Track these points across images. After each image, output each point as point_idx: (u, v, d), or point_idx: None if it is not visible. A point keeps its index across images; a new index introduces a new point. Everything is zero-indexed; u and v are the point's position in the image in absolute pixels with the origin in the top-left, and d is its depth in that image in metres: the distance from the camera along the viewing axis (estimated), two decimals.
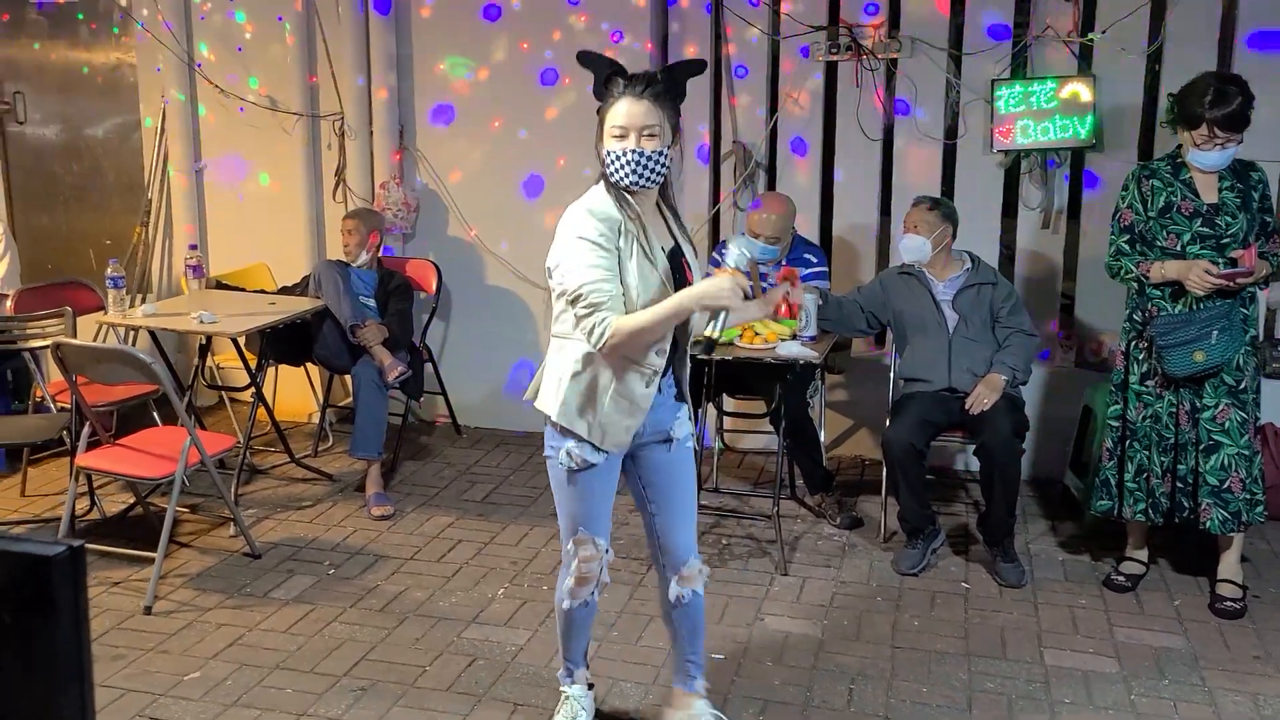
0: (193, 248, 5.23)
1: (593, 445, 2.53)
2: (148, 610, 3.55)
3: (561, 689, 2.93)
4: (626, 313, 2.39)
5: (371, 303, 4.72)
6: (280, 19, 5.26)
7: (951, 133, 4.78)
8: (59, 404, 4.30)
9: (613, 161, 2.42)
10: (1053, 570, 3.93)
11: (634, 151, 2.39)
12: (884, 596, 3.73)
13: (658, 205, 2.57)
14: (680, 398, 2.67)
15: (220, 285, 4.97)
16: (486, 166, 5.24)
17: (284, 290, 4.98)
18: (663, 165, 2.43)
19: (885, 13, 4.71)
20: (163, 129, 5.53)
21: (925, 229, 4.00)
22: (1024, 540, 4.14)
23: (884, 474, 4.10)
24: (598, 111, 2.48)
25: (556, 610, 2.81)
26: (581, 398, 2.51)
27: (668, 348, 2.51)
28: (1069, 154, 4.65)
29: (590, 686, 2.94)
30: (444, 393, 5.31)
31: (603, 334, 2.37)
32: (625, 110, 2.40)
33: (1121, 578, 3.78)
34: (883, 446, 3.93)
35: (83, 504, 4.22)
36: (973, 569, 3.93)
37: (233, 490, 4.39)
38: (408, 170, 5.32)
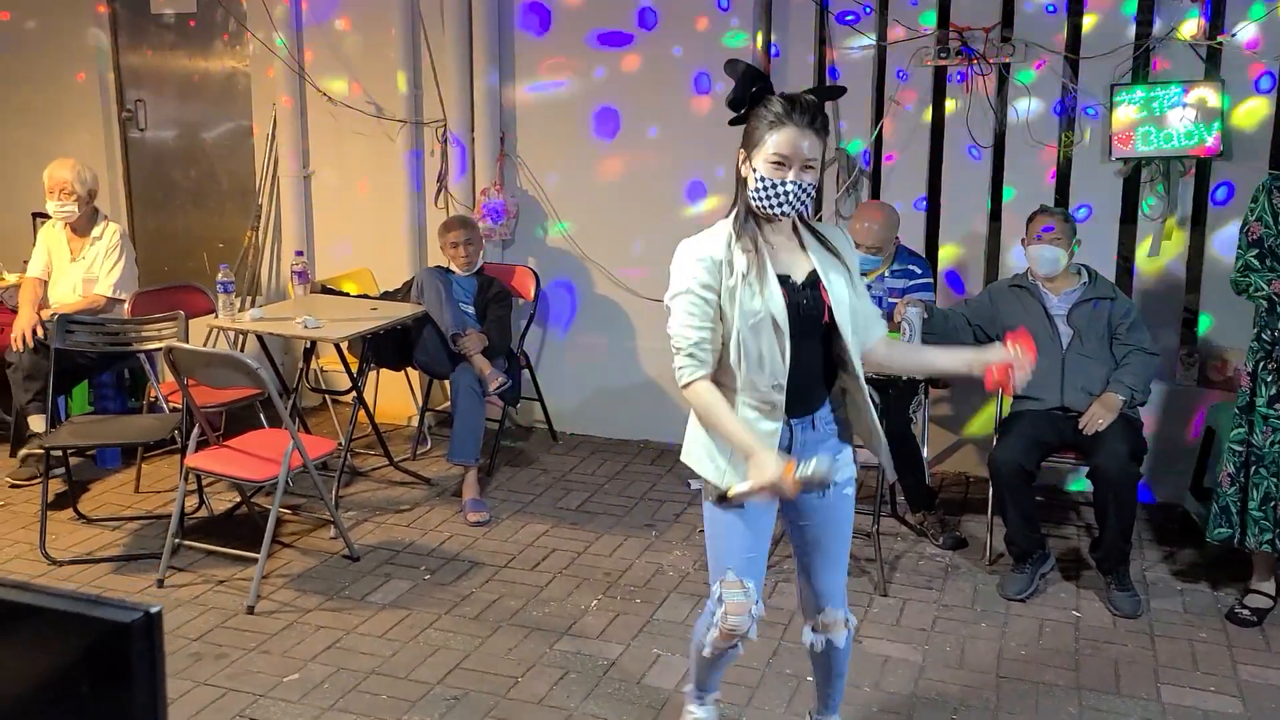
0: (299, 254, 5.35)
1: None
2: (250, 610, 3.62)
3: (688, 708, 2.82)
4: (724, 346, 2.34)
5: (471, 309, 4.75)
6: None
7: (1067, 140, 4.60)
8: (171, 404, 4.43)
9: (767, 189, 2.28)
10: (1171, 601, 3.74)
11: (793, 184, 2.26)
12: (989, 622, 3.59)
13: (795, 229, 2.41)
14: (845, 438, 2.49)
15: (325, 290, 5.07)
16: (585, 173, 5.24)
17: (385, 295, 5.04)
18: (812, 197, 2.33)
19: (998, 15, 4.55)
20: (273, 135, 5.66)
21: (1062, 240, 3.86)
22: (1140, 567, 3.95)
23: (990, 492, 3.95)
24: (737, 122, 2.34)
25: (692, 647, 2.68)
26: (706, 439, 2.42)
27: (783, 382, 2.32)
28: (1194, 162, 4.42)
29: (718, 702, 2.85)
30: (540, 399, 5.32)
31: (682, 383, 2.37)
32: (788, 140, 2.25)
33: (1246, 611, 3.57)
34: (990, 467, 3.79)
35: (191, 502, 4.33)
36: (1084, 596, 3.76)
37: (333, 493, 4.46)
38: (508, 176, 5.34)
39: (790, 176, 2.26)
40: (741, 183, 2.36)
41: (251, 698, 3.12)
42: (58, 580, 3.84)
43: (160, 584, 3.80)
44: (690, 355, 2.35)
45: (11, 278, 5.23)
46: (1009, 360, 2.36)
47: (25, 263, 5.03)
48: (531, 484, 4.83)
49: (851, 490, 2.52)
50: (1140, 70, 4.42)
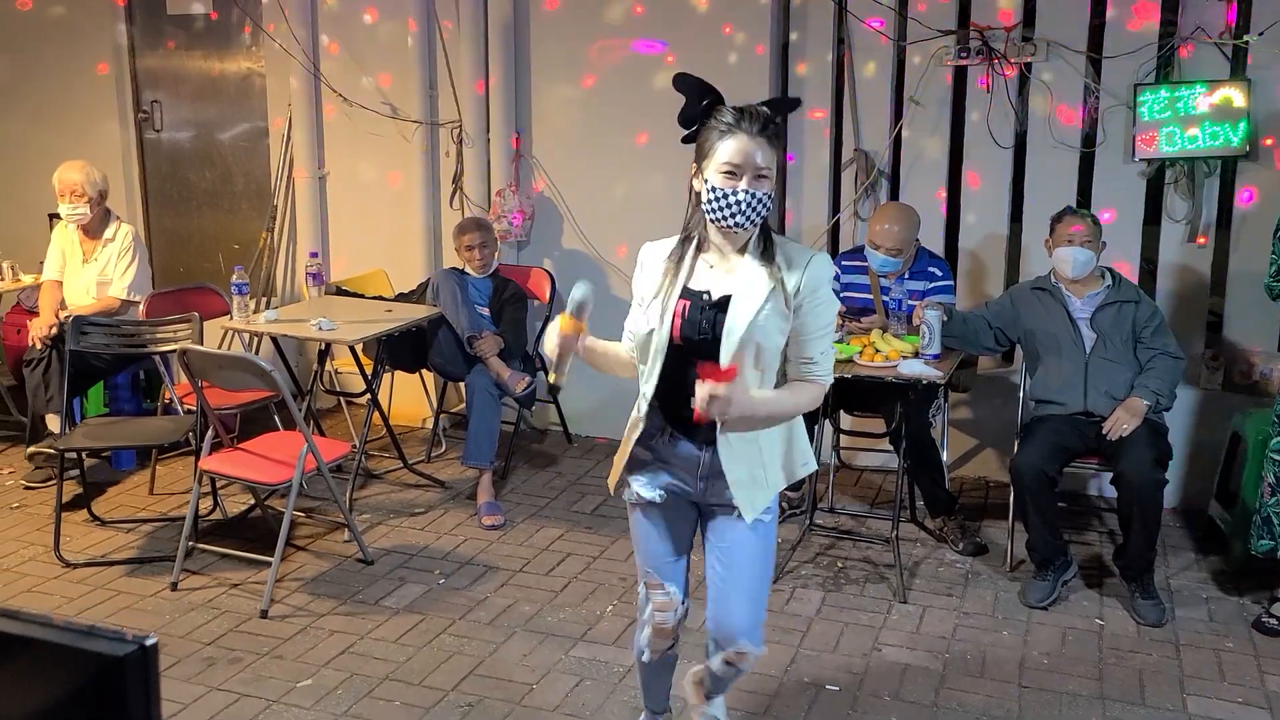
0: (313, 255, 5.33)
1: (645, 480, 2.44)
2: (264, 614, 3.60)
3: None
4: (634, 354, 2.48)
5: (486, 311, 4.72)
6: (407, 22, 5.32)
7: (1089, 140, 4.54)
8: (185, 406, 4.41)
9: (718, 199, 2.22)
10: (1196, 609, 3.68)
11: (746, 193, 2.20)
12: (1010, 630, 3.54)
13: (745, 247, 2.32)
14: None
15: (340, 291, 5.05)
16: (601, 174, 5.20)
17: (400, 297, 5.02)
18: (767, 208, 2.25)
19: (1019, 14, 4.50)
20: (289, 136, 5.65)
21: (1092, 242, 3.81)
22: (1164, 575, 3.88)
23: (1011, 498, 3.90)
24: (689, 139, 2.32)
25: (634, 658, 2.71)
26: (626, 431, 2.47)
27: (648, 393, 2.38)
28: (1219, 163, 4.36)
29: None
30: (556, 401, 5.29)
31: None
32: (739, 148, 2.20)
33: (1273, 620, 3.51)
34: (1012, 473, 3.74)
35: (205, 504, 4.32)
36: (1107, 604, 3.70)
37: (347, 495, 4.44)
38: (524, 177, 5.31)
39: (743, 185, 2.21)
40: (695, 198, 2.32)
41: (265, 703, 3.10)
42: (72, 583, 3.83)
43: (174, 587, 3.78)
44: (624, 339, 2.51)
45: (28, 279, 5.23)
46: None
47: (41, 264, 5.03)
48: (546, 487, 4.80)
49: (768, 519, 2.40)
50: (1165, 69, 4.35)
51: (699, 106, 2.28)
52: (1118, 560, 3.76)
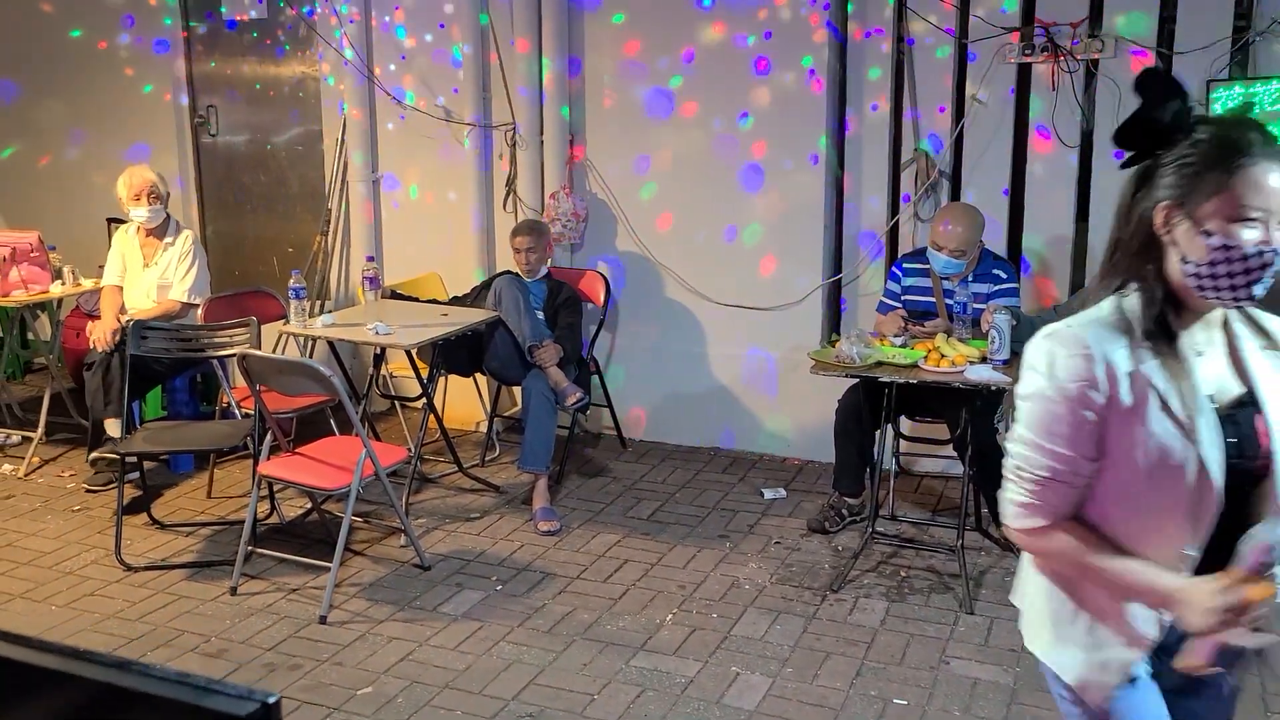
0: (370, 259, 5.33)
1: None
2: (323, 619, 3.59)
3: None
4: (1100, 508, 1.62)
5: (540, 315, 4.69)
6: (441, 26, 5.30)
7: None
8: (243, 410, 4.42)
9: (1231, 261, 1.51)
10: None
11: (1273, 251, 1.51)
12: None
13: (1225, 323, 1.66)
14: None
15: (395, 295, 5.04)
16: (657, 175, 5.15)
17: (455, 300, 5.01)
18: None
19: (1087, 9, 4.38)
20: (343, 140, 5.66)
21: None
22: None
23: None
24: (1134, 161, 1.63)
25: None
26: (1052, 607, 1.76)
27: (1195, 554, 1.58)
28: None
29: None
30: (610, 405, 5.25)
31: (1017, 525, 1.66)
32: (1271, 184, 1.51)
33: None
34: None
35: (263, 508, 4.33)
36: None
37: (404, 500, 4.43)
38: (577, 180, 5.28)
39: (1275, 240, 1.52)
40: (1149, 249, 1.60)
41: (325, 711, 3.09)
42: (134, 587, 3.85)
43: (234, 591, 3.79)
44: (1040, 486, 1.62)
45: (88, 283, 5.29)
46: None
47: (100, 268, 5.07)
48: (602, 492, 4.76)
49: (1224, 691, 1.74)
50: (1239, 65, 4.22)
51: (1166, 114, 1.59)
52: None
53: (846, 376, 3.88)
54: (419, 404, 4.90)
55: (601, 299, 5.10)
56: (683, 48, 4.98)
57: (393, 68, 5.53)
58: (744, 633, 3.51)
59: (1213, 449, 1.55)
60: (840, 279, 4.96)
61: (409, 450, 4.52)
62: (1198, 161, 1.55)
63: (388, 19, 5.51)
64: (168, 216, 4.87)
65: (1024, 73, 4.57)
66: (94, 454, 4.72)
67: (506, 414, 5.39)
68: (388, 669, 3.31)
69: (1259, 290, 1.54)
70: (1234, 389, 1.62)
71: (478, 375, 5.06)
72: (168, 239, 4.82)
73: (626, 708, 3.09)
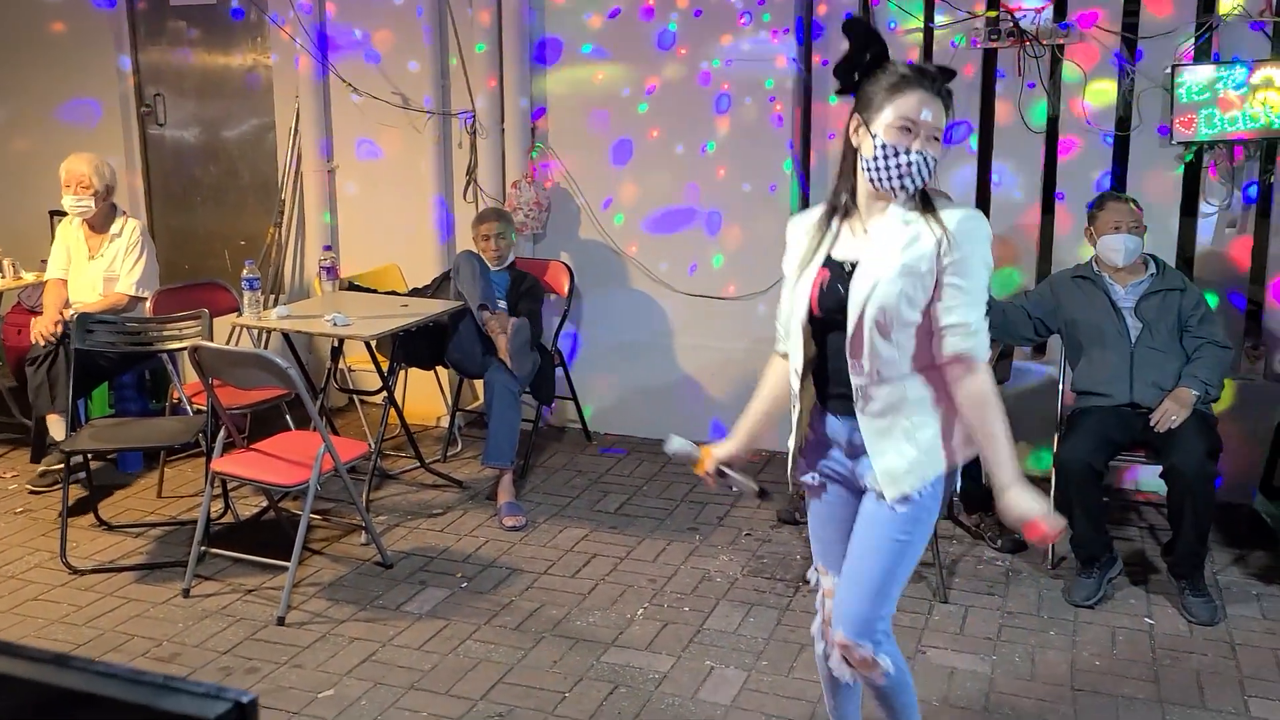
0: (326, 249, 5.19)
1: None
2: (281, 621, 3.46)
3: None
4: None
5: (503, 304, 4.58)
6: (420, 12, 5.17)
7: (1124, 124, 4.40)
8: (195, 405, 4.27)
9: (887, 158, 2.04)
10: (1247, 606, 3.54)
11: (918, 154, 2.03)
12: (1058, 630, 3.40)
13: (922, 209, 2.12)
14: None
15: (352, 286, 4.90)
16: (619, 164, 5.06)
17: (414, 292, 4.88)
18: (933, 174, 2.07)
19: None
20: (296, 129, 5.50)
21: (1138, 229, 3.69)
22: (1210, 571, 3.74)
23: (1051, 493, 3.75)
24: (845, 91, 2.14)
25: (818, 661, 2.46)
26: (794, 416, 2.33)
27: (798, 368, 2.23)
28: (1261, 146, 4.22)
29: None
30: (575, 398, 5.15)
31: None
32: (918, 103, 2.03)
33: None
34: (1057, 466, 3.61)
35: (217, 506, 4.18)
36: (1155, 602, 3.57)
37: (364, 497, 4.30)
38: (539, 169, 5.17)
39: (916, 145, 2.03)
40: (850, 156, 2.14)
41: (286, 715, 2.96)
42: (80, 590, 3.69)
43: (186, 594, 3.64)
44: (778, 329, 2.32)
45: (29, 276, 5.09)
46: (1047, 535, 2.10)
47: (43, 262, 4.88)
48: (567, 486, 4.66)
49: (909, 508, 2.15)
50: (1204, 50, 4.22)
51: (864, 56, 2.10)
52: (1166, 556, 3.63)
53: None
54: (378, 398, 4.77)
55: (566, 290, 5.00)
56: (657, 52, 4.89)
57: (347, 53, 5.38)
58: (717, 626, 3.44)
59: (800, 301, 2.18)
60: None
61: (370, 445, 4.39)
62: (876, 88, 2.08)
63: (342, 3, 5.36)
64: (113, 207, 4.69)
65: (989, 58, 4.54)
66: (43, 466, 4.54)
67: (468, 408, 5.27)
68: (350, 670, 3.19)
69: (909, 184, 2.04)
70: (854, 259, 2.13)
71: (439, 369, 4.94)
72: (113, 230, 4.65)
73: (599, 705, 3.00)
